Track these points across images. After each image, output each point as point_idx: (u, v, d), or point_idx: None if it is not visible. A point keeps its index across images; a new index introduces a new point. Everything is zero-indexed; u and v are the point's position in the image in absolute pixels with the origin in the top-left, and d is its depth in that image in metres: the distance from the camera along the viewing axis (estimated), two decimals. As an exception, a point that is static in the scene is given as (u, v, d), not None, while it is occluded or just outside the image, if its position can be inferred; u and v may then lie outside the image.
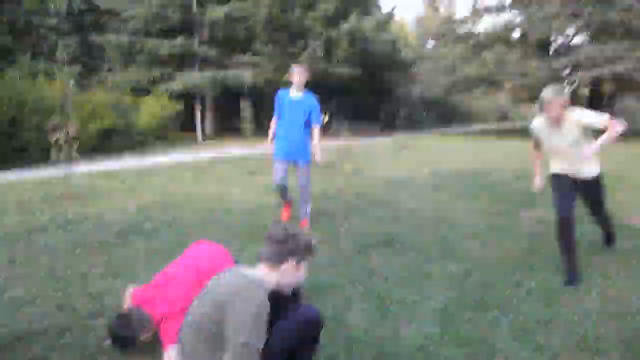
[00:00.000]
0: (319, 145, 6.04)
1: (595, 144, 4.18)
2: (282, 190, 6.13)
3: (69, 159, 8.15)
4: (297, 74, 6.04)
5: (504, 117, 57.46)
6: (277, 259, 2.49)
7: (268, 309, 2.29)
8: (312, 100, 6.09)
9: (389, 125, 31.57)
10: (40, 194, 8.43)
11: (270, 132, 6.34)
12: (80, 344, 3.15)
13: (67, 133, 7.82)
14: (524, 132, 17.88)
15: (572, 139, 4.39)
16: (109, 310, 3.58)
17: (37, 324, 3.42)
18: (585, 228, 5.40)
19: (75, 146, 7.99)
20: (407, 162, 13.23)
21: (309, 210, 6.20)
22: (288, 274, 2.52)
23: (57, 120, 7.97)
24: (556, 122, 4.34)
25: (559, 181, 4.65)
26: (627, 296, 3.92)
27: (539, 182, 4.87)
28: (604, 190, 4.69)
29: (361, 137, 23.66)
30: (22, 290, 4.04)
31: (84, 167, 10.65)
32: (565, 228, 4.38)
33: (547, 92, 4.24)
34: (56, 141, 7.79)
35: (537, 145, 4.78)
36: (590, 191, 4.66)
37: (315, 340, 2.69)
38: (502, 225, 6.17)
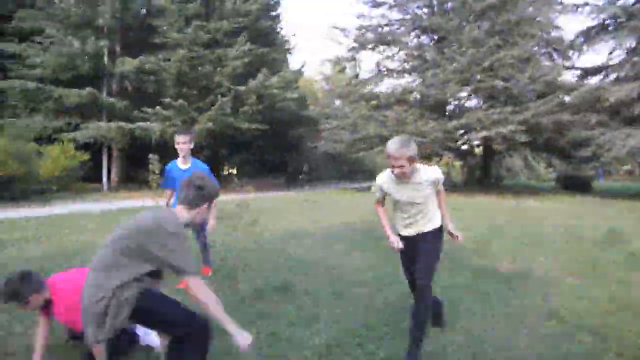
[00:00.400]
0: (214, 214, 5.90)
1: (454, 230, 4.30)
2: None
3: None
4: (182, 143, 5.89)
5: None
6: (195, 203, 3.13)
7: (184, 232, 2.96)
8: (202, 168, 5.97)
9: (294, 179, 32.36)
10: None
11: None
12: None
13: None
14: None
15: (422, 197, 4.18)
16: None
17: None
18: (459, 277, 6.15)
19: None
20: (308, 215, 13.85)
21: (210, 258, 6.56)
22: (200, 214, 3.17)
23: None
24: (404, 176, 4.10)
25: (404, 252, 4.37)
26: (487, 330, 4.60)
27: (395, 240, 4.28)
28: (439, 244, 4.33)
29: (266, 192, 24.22)
30: None
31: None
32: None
33: (393, 144, 3.94)
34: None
35: (381, 201, 4.54)
36: (427, 242, 4.25)
37: (204, 347, 3.11)
38: (389, 274, 6.81)
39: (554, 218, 14.16)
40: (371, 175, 53.90)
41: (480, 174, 31.10)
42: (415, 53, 28.07)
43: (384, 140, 26.52)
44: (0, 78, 23.25)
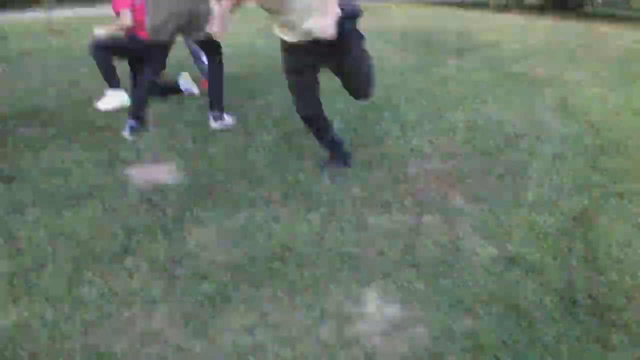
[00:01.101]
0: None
1: None
2: None
3: (49, 4, 8.87)
4: None
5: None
6: None
7: None
8: None
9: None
10: (23, 30, 9.40)
11: None
12: (73, 113, 4.41)
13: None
14: (476, 5, 18.50)
15: None
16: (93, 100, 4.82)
17: (40, 105, 4.67)
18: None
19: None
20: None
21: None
22: None
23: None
24: None
25: (292, 62, 3.02)
26: (488, 113, 5.01)
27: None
28: (362, 44, 3.07)
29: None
30: (24, 86, 5.29)
31: (60, 13, 11.33)
32: (312, 125, 3.35)
33: None
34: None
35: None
36: (342, 50, 2.90)
37: None
38: (422, 65, 7.25)
39: (621, 42, 13.49)
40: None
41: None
42: None
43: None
44: None
